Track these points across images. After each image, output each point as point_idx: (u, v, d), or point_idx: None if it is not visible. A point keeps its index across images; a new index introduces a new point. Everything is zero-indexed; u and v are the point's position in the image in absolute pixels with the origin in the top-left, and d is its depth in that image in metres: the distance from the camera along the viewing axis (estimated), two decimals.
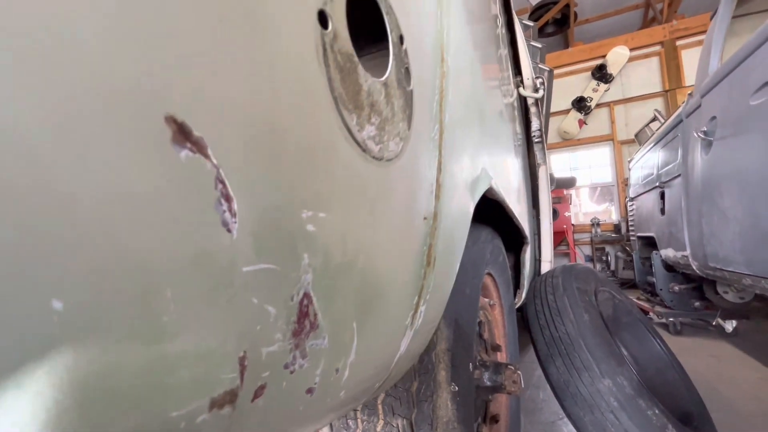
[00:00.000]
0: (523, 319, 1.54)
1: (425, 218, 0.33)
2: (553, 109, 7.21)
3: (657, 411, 1.19)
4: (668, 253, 3.08)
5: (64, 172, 0.11)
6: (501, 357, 1.23)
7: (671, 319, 3.19)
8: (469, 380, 0.67)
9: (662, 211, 3.16)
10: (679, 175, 2.76)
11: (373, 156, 0.25)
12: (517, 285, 1.65)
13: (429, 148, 0.34)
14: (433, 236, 0.35)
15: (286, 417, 0.21)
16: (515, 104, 1.83)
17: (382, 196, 0.26)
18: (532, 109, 2.20)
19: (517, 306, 1.65)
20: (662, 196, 3.15)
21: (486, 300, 1.16)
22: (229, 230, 0.16)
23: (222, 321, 0.16)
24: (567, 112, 7.12)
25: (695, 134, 2.30)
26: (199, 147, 0.14)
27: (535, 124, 2.19)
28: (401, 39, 0.29)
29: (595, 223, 6.65)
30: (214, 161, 0.15)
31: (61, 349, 0.11)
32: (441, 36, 0.38)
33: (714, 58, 2.29)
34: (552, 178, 5.52)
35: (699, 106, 2.42)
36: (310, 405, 0.23)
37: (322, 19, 0.21)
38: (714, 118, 2.16)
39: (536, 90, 2.12)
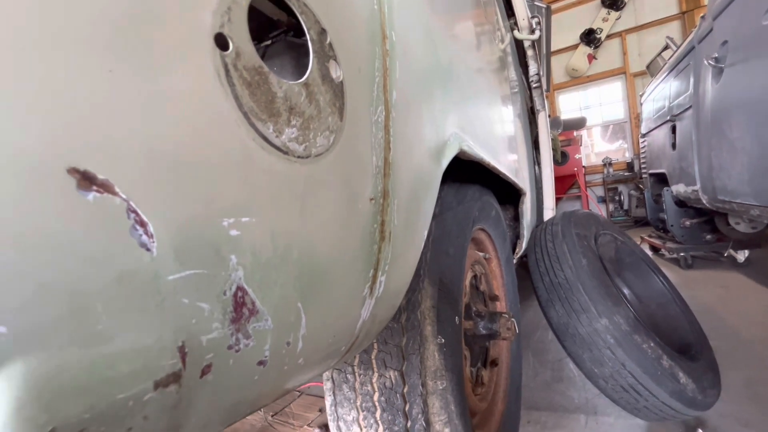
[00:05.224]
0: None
1: (372, 199, 0.36)
2: (560, 45, 6.81)
3: (652, 344, 1.24)
4: (679, 188, 3.03)
5: None
6: (500, 306, 1.28)
7: (682, 254, 3.20)
8: (456, 332, 0.73)
9: (673, 146, 3.07)
10: (690, 107, 2.64)
11: (297, 156, 0.27)
12: (518, 235, 1.68)
13: (372, 132, 0.36)
14: (385, 213, 0.38)
15: (241, 385, 0.26)
16: (508, 49, 1.75)
17: (314, 191, 0.29)
18: (529, 52, 2.10)
19: (519, 255, 1.68)
20: (673, 130, 3.04)
21: (482, 254, 1.19)
22: (148, 249, 0.19)
23: (154, 322, 0.19)
24: (575, 47, 6.71)
25: (705, 61, 2.17)
26: (105, 187, 0.17)
27: (532, 68, 2.10)
28: (323, 33, 0.30)
29: (607, 163, 6.49)
30: (123, 196, 0.18)
31: (13, 359, 0.15)
32: (380, 15, 0.38)
33: None
34: (558, 121, 5.34)
35: (711, 30, 2.26)
36: (265, 373, 0.27)
37: (221, 41, 0.22)
38: (725, 42, 2.03)
39: (532, 31, 2.01)
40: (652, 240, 3.81)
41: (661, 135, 3.42)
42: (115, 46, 0.18)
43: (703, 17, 2.48)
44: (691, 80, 2.60)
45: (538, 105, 2.16)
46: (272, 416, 1.60)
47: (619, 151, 6.81)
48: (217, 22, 0.22)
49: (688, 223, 3.19)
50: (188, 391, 0.22)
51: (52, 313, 0.16)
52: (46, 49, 0.16)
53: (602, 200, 6.66)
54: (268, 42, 0.85)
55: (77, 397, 0.17)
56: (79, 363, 0.17)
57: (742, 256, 3.01)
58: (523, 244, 1.62)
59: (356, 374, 0.71)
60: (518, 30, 1.94)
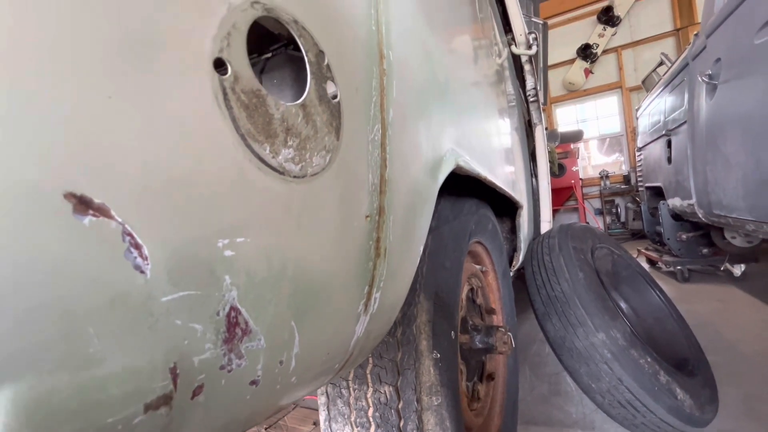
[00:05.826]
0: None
1: (367, 216, 0.36)
2: (557, 60, 6.91)
3: (649, 359, 1.24)
4: (675, 202, 3.05)
5: None
6: (497, 320, 1.28)
7: (679, 268, 3.21)
8: (452, 347, 0.72)
9: (669, 160, 3.10)
10: (685, 122, 2.68)
11: (294, 176, 0.27)
12: (515, 248, 1.68)
13: (368, 150, 0.36)
14: (381, 230, 0.38)
15: (233, 405, 0.26)
16: (506, 64, 1.78)
17: (310, 210, 0.29)
18: (526, 67, 2.13)
19: (516, 268, 1.68)
20: (669, 144, 3.08)
21: (478, 267, 1.19)
22: (142, 272, 0.19)
23: (146, 343, 0.20)
24: (572, 62, 6.81)
25: (699, 78, 2.21)
26: (102, 211, 0.18)
27: (529, 83, 2.13)
28: (321, 55, 0.30)
29: (604, 176, 6.53)
30: (119, 219, 0.18)
31: (2, 384, 0.15)
32: (377, 35, 0.39)
33: None
34: (556, 134, 5.40)
35: (704, 47, 2.30)
36: (257, 393, 0.27)
37: (220, 65, 0.23)
38: (719, 60, 2.07)
39: (529, 46, 2.04)
40: (648, 253, 3.82)
41: (657, 149, 3.45)
42: (114, 71, 0.18)
43: (696, 35, 2.53)
44: (686, 96, 2.64)
45: (535, 118, 2.19)
46: (266, 429, 1.57)
47: (616, 163, 6.86)
48: (216, 47, 0.22)
49: (684, 236, 3.20)
50: (179, 413, 0.21)
51: (43, 336, 0.16)
52: (45, 74, 0.16)
53: (599, 212, 6.69)
54: (268, 55, 0.87)
55: (66, 422, 0.17)
56: (69, 387, 0.17)
57: (738, 270, 3.02)
58: (520, 257, 1.62)
59: (351, 389, 0.70)
60: (516, 45, 1.97)
